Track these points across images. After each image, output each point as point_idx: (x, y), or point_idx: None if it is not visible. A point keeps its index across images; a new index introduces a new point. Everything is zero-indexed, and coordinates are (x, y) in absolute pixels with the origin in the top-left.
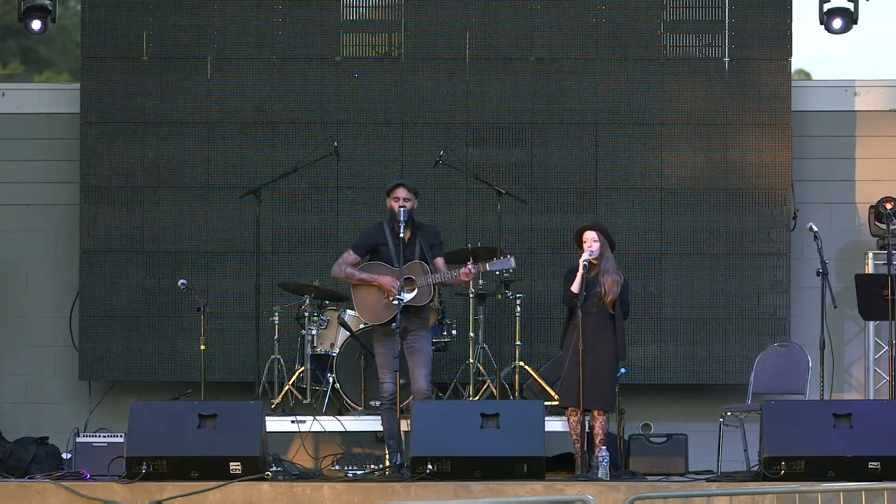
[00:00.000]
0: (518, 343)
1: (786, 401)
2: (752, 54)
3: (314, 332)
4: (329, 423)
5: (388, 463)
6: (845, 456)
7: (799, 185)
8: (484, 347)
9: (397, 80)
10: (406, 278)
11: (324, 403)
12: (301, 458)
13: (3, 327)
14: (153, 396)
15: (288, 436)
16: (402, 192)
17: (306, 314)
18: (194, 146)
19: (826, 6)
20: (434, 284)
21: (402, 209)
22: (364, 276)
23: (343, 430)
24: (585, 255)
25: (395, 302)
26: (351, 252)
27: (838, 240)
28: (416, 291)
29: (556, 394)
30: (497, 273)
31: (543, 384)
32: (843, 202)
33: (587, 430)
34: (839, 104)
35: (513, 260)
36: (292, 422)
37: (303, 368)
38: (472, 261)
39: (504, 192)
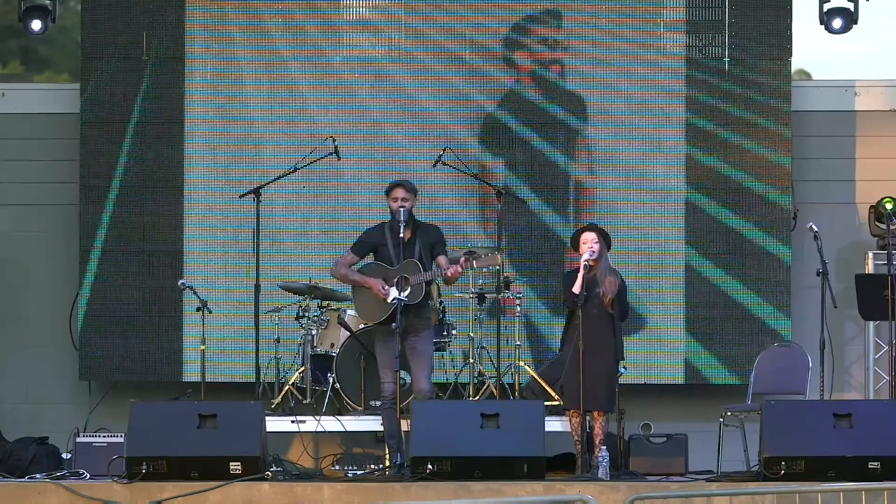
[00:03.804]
0: (518, 343)
1: (786, 401)
2: (752, 54)
3: (314, 332)
4: (329, 423)
5: (388, 463)
6: (845, 456)
7: (799, 185)
8: (484, 347)
9: (397, 81)
10: (402, 277)
11: (324, 403)
12: (301, 458)
13: (3, 327)
14: (153, 396)
15: (288, 436)
16: (400, 192)
17: (306, 314)
18: (194, 146)
19: (826, 6)
20: (426, 282)
21: (401, 209)
22: (356, 277)
23: (343, 430)
24: (586, 256)
25: (395, 302)
26: (350, 253)
27: (838, 240)
28: (408, 290)
29: (557, 394)
30: (486, 270)
31: (543, 384)
32: (843, 202)
33: (587, 430)
34: (839, 104)
35: (499, 256)
36: (292, 422)
37: (303, 368)
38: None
39: (504, 192)
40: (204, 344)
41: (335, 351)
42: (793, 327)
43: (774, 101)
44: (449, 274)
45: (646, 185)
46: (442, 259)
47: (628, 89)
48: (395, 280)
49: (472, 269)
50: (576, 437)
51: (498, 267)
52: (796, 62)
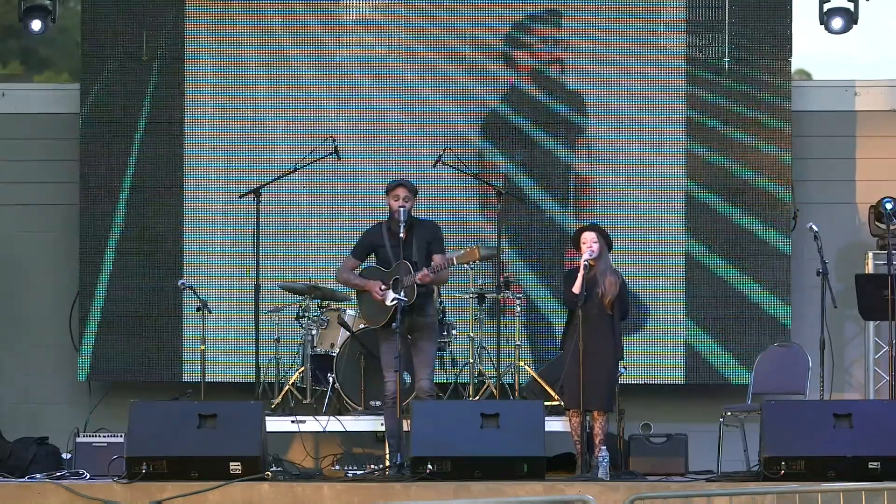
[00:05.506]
0: (518, 343)
1: (786, 401)
2: (752, 54)
3: (314, 332)
4: (329, 423)
5: (388, 463)
6: (845, 456)
7: (799, 185)
8: (484, 347)
9: (397, 80)
10: (396, 279)
11: (324, 403)
12: (301, 458)
13: (3, 327)
14: (153, 396)
15: (288, 436)
16: (402, 192)
17: (306, 314)
18: (194, 146)
19: (826, 6)
20: (415, 284)
21: (401, 209)
22: (357, 281)
23: (343, 430)
24: (586, 256)
25: (395, 303)
26: (350, 257)
27: (838, 240)
28: (402, 291)
29: (557, 394)
30: (469, 264)
31: (543, 384)
32: (843, 202)
33: (587, 430)
34: (839, 104)
35: (477, 250)
36: (292, 422)
37: (303, 368)
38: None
39: (504, 192)
40: (204, 344)
41: (335, 351)
42: (793, 327)
43: (774, 101)
44: (427, 281)
45: (646, 185)
46: (438, 258)
47: (629, 89)
48: (392, 281)
49: (452, 266)
50: (576, 437)
51: (477, 260)
52: (796, 62)
